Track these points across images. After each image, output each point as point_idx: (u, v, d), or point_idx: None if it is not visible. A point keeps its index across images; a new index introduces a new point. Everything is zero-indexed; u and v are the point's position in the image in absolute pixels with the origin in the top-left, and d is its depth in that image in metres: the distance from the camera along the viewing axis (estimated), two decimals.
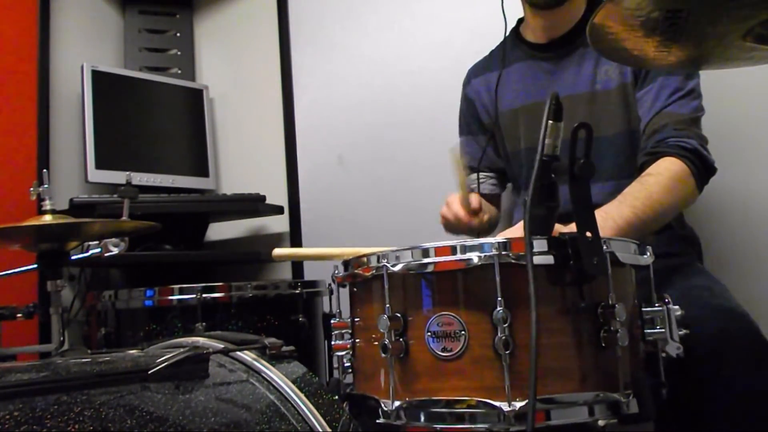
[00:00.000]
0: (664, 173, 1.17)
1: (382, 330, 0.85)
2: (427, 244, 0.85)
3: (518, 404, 0.77)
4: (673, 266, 1.27)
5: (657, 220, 1.16)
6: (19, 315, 1.30)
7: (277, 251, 1.22)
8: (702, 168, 1.20)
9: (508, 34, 1.51)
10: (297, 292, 1.53)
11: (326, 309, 1.62)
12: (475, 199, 1.36)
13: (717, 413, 1.01)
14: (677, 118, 1.24)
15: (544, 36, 1.42)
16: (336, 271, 0.99)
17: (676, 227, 1.35)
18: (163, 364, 0.75)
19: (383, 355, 0.85)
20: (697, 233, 1.42)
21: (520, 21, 1.50)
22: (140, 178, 2.04)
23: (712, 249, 1.45)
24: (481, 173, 1.55)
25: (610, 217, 1.09)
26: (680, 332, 0.88)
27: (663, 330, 0.89)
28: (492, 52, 1.56)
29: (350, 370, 0.97)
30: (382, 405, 0.86)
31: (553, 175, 0.82)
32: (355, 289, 0.98)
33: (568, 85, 1.36)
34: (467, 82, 1.58)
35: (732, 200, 1.52)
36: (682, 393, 1.00)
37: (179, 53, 2.42)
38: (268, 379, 0.81)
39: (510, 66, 1.47)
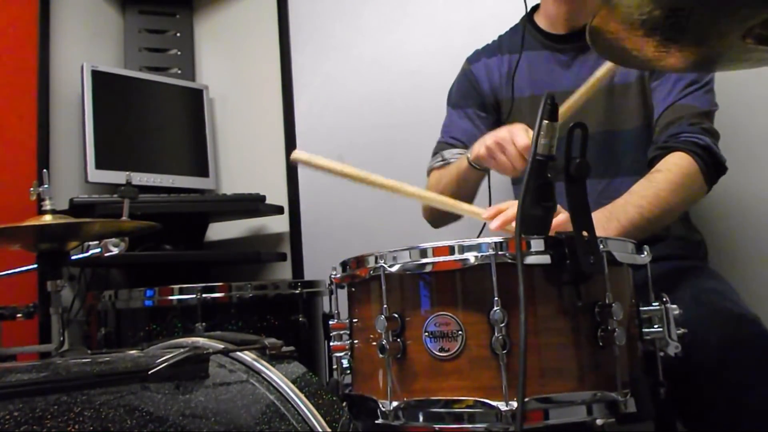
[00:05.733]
0: (672, 169, 1.15)
1: (379, 330, 0.85)
2: (424, 245, 0.85)
3: (516, 404, 0.77)
4: (681, 269, 1.25)
5: (663, 219, 1.15)
6: (19, 315, 1.30)
7: (296, 154, 1.21)
8: (712, 165, 1.17)
9: (520, 20, 1.48)
10: (297, 292, 1.53)
11: (326, 309, 1.62)
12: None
13: (720, 418, 0.99)
14: (692, 111, 1.21)
15: (563, 26, 1.38)
16: (334, 272, 0.99)
17: (683, 229, 1.34)
18: (163, 365, 0.75)
19: (381, 355, 0.85)
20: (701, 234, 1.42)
21: (534, 9, 1.47)
22: (140, 178, 2.04)
23: (715, 250, 1.44)
24: (462, 149, 1.45)
25: (615, 217, 1.09)
26: (678, 331, 0.89)
27: (661, 329, 0.89)
28: (501, 36, 1.52)
29: (349, 371, 0.97)
30: (381, 405, 0.86)
31: (549, 175, 0.83)
32: (353, 290, 0.98)
33: (586, 79, 1.31)
34: (476, 60, 1.51)
35: (734, 201, 1.52)
36: (687, 397, 1.00)
37: (179, 53, 2.42)
38: (268, 379, 0.81)
39: (521, 54, 1.42)
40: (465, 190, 1.40)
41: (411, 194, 1.20)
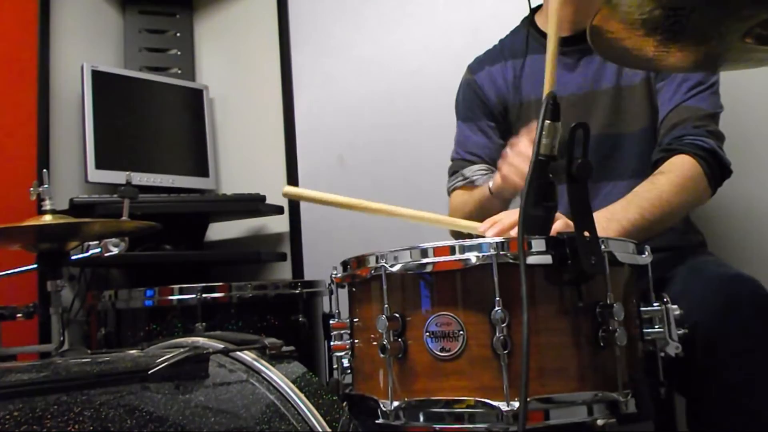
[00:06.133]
0: (676, 171, 1.15)
1: (380, 330, 0.85)
2: (425, 245, 0.85)
3: (516, 404, 0.77)
4: (681, 254, 1.26)
5: (665, 221, 1.14)
6: (19, 315, 1.30)
7: (287, 189, 1.22)
8: (717, 169, 1.17)
9: (521, 23, 1.47)
10: (297, 292, 1.53)
11: (326, 309, 1.62)
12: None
13: (717, 375, 0.99)
14: (698, 113, 1.21)
15: (567, 28, 1.35)
16: (334, 272, 0.99)
17: (684, 229, 1.34)
18: (163, 364, 0.75)
19: (382, 355, 0.85)
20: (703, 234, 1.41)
21: (535, 10, 1.46)
22: (140, 178, 2.04)
23: (717, 251, 1.44)
24: (481, 164, 1.44)
25: (616, 219, 1.08)
26: (679, 331, 0.89)
27: (662, 329, 0.89)
28: (502, 41, 1.50)
29: (349, 371, 0.97)
30: (381, 405, 0.86)
31: (550, 175, 0.83)
32: (353, 290, 0.98)
33: (591, 81, 1.33)
34: (478, 69, 1.49)
35: (736, 203, 1.51)
36: (687, 362, 0.99)
37: (179, 53, 2.42)
38: (268, 379, 0.81)
39: (525, 57, 1.42)
40: (491, 214, 1.39)
41: (404, 216, 1.20)
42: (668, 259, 1.19)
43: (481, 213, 1.36)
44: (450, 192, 1.49)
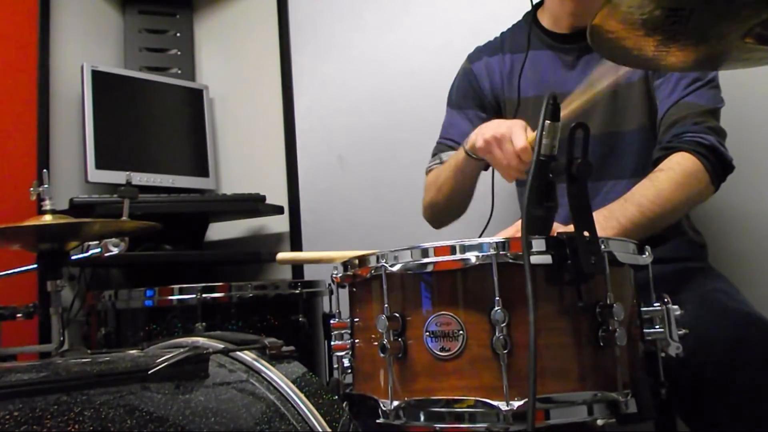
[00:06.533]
0: (675, 168, 1.14)
1: (380, 330, 0.85)
2: (425, 244, 0.85)
3: (516, 403, 0.77)
4: (686, 270, 1.25)
5: (665, 218, 1.14)
6: (19, 315, 1.30)
7: (281, 255, 1.22)
8: (718, 165, 1.16)
9: (522, 18, 1.47)
10: (297, 292, 1.53)
11: (326, 309, 1.62)
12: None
13: (727, 419, 0.99)
14: (697, 109, 1.20)
15: (568, 25, 1.36)
16: (335, 272, 0.99)
17: (685, 231, 1.34)
18: (163, 364, 0.75)
19: (382, 355, 0.85)
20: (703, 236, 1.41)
21: (537, 6, 1.46)
22: (140, 178, 2.04)
23: (716, 252, 1.44)
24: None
25: (614, 216, 1.08)
26: (680, 332, 0.88)
27: (662, 330, 0.88)
28: (503, 34, 1.50)
29: (350, 371, 0.97)
30: (381, 405, 0.86)
31: (550, 175, 0.83)
32: (354, 290, 0.98)
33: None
34: (476, 58, 1.49)
35: (735, 203, 1.51)
36: (692, 397, 1.00)
37: (179, 53, 2.42)
38: (268, 379, 0.81)
39: (527, 53, 1.41)
40: (463, 184, 1.38)
41: None
42: (673, 277, 1.18)
43: (454, 180, 1.37)
44: (426, 173, 1.50)
